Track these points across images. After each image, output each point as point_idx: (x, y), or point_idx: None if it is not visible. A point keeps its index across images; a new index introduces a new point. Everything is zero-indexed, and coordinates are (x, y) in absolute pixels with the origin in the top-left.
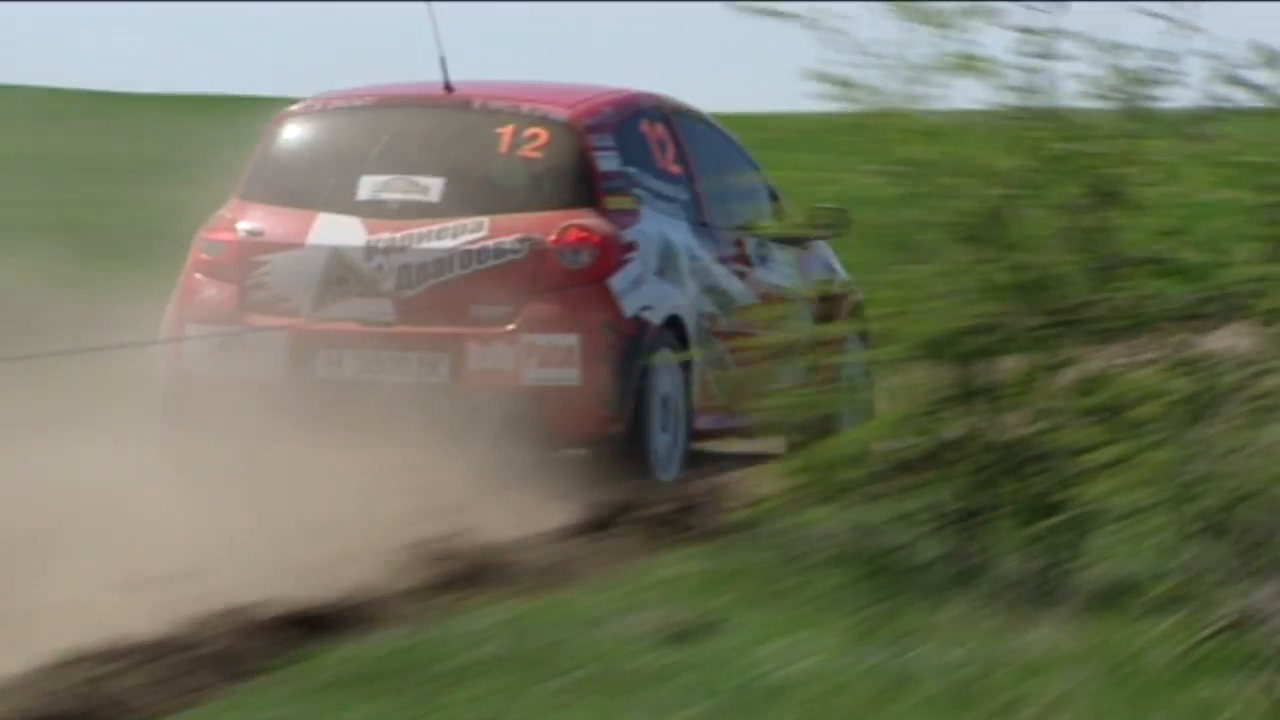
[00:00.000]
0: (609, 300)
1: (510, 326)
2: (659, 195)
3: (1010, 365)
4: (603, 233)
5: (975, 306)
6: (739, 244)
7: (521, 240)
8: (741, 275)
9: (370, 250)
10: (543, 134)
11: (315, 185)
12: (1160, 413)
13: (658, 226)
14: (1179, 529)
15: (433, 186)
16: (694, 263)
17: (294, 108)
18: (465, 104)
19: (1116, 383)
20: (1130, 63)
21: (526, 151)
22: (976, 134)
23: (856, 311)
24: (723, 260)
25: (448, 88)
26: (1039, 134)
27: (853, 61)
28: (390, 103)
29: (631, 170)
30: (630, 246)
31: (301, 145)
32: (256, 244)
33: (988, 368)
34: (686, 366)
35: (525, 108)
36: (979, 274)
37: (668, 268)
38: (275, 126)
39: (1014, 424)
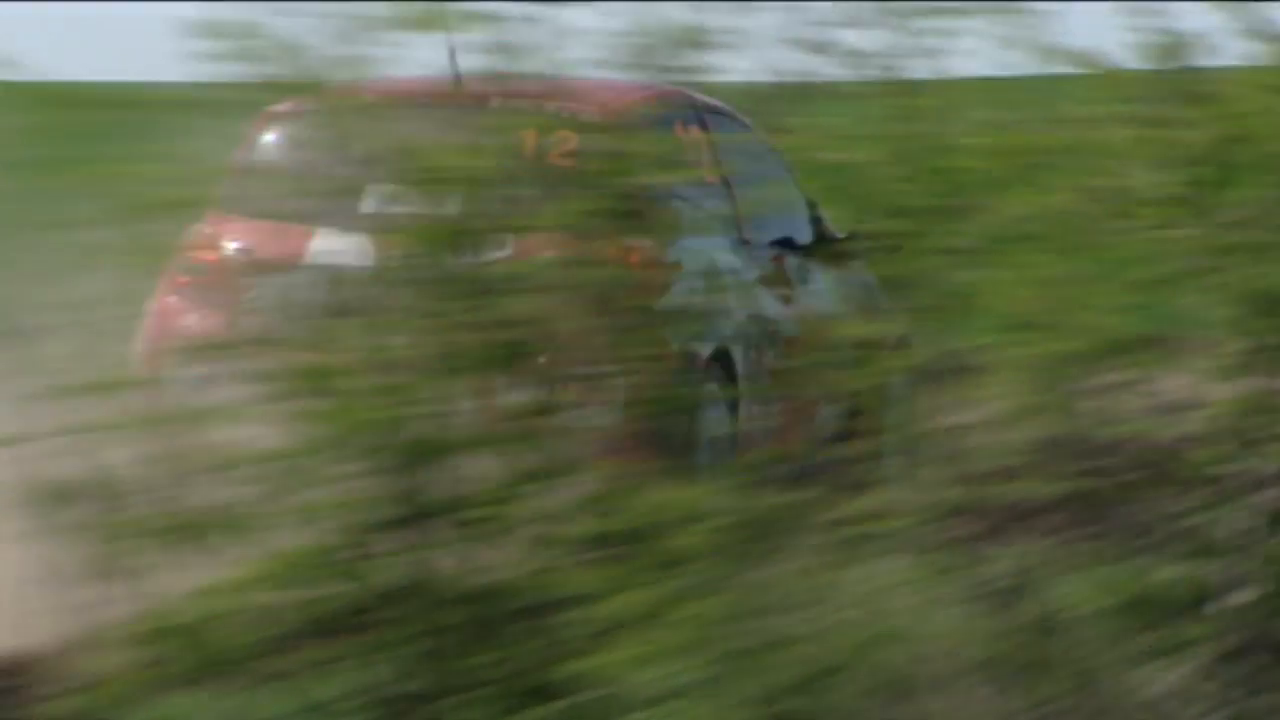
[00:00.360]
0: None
1: (542, 359)
2: (698, 208)
3: (481, 472)
4: (644, 252)
5: (427, 384)
6: (780, 263)
7: (552, 261)
8: (785, 299)
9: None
10: (572, 138)
11: (311, 197)
12: (703, 545)
13: (700, 244)
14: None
15: (448, 198)
16: (739, 286)
17: (281, 107)
18: (481, 102)
19: (638, 499)
20: (672, 20)
21: (554, 158)
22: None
23: (901, 345)
24: (765, 282)
25: (457, 81)
26: (529, 122)
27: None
28: (393, 101)
29: None
30: (674, 267)
31: (292, 150)
32: (245, 265)
33: (446, 476)
34: (734, 406)
35: (550, 106)
36: (432, 333)
37: (713, 292)
38: (260, 128)
39: (488, 562)
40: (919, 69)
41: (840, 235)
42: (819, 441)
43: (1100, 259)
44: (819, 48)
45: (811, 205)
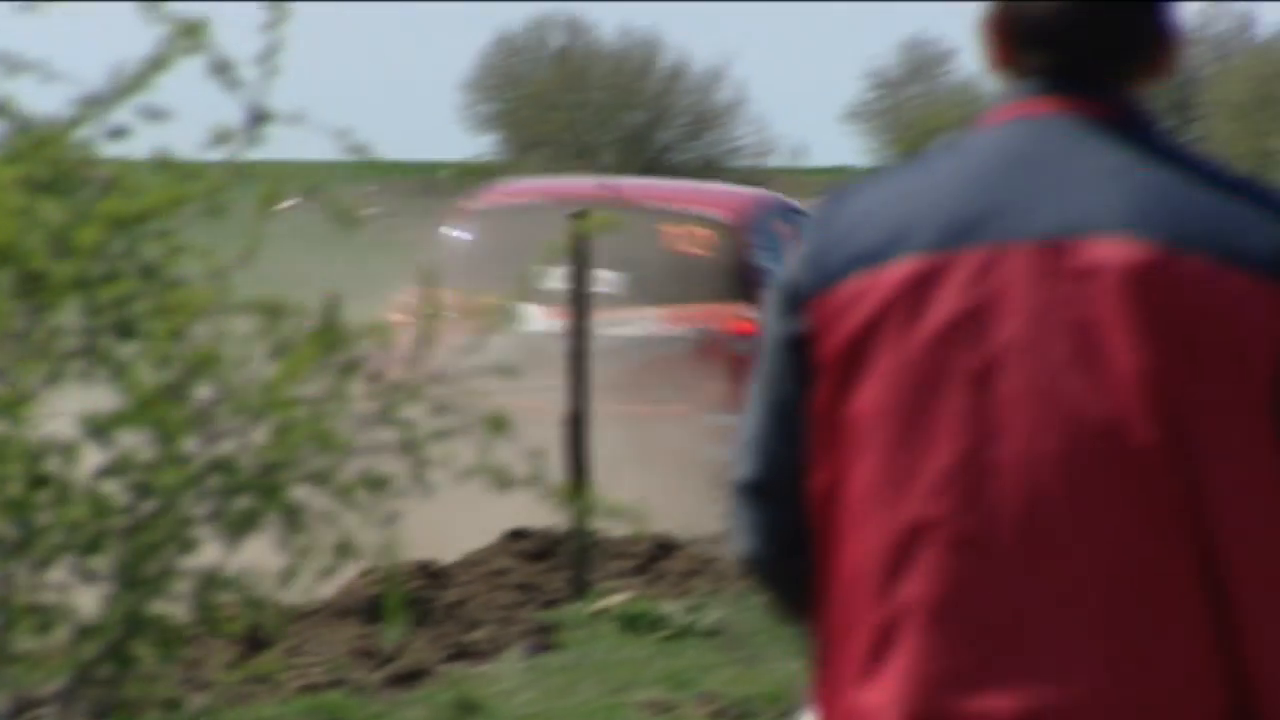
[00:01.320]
0: None
1: (686, 407)
2: None
3: None
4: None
5: None
6: None
7: (695, 329)
8: None
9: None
10: (706, 233)
11: (506, 275)
12: None
13: None
14: None
15: (611, 279)
16: None
17: (473, 204)
18: (628, 205)
19: None
20: None
21: (691, 249)
22: None
23: None
24: None
25: (608, 189)
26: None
27: None
28: (562, 201)
29: (774, 266)
30: None
31: (492, 237)
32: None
33: None
34: None
35: (685, 208)
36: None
37: None
38: (465, 218)
39: None
40: None
41: None
42: None
43: None
44: None
45: None
